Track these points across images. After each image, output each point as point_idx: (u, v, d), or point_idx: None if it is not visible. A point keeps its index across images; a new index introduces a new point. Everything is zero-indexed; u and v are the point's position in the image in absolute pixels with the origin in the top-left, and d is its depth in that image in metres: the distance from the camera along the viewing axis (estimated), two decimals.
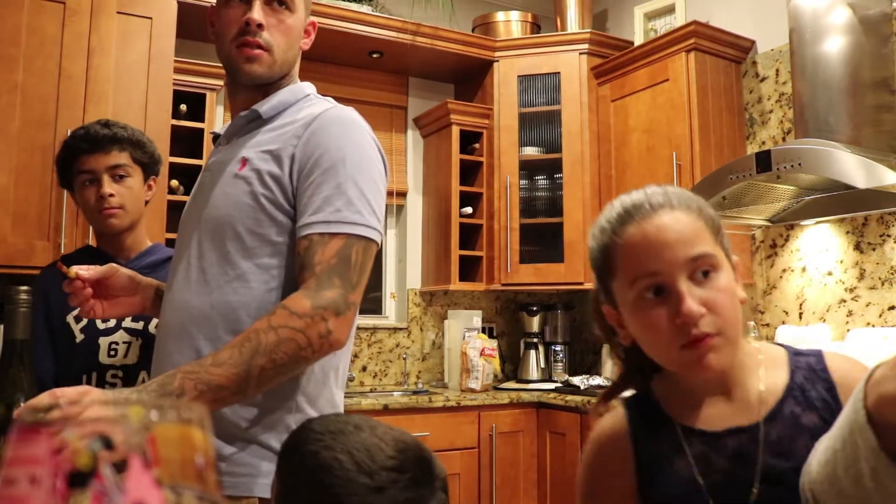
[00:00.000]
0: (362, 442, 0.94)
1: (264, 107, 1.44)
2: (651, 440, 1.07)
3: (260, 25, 1.40)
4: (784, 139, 3.50)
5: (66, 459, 0.33)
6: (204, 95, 3.53)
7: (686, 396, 1.08)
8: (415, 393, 3.84)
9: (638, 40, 4.12)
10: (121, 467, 0.34)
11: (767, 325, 3.52)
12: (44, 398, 0.95)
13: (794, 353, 1.11)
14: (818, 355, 1.10)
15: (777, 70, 3.58)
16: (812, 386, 1.05)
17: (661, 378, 1.14)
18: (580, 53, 4.15)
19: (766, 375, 1.07)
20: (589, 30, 4.21)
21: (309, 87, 1.52)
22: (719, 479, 1.00)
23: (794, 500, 0.92)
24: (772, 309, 3.52)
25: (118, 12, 3.25)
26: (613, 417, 1.13)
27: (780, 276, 3.49)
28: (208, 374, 1.14)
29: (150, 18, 3.32)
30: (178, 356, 1.34)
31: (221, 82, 3.50)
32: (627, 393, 1.19)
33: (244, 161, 1.37)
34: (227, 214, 1.36)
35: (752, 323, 3.51)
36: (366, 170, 1.33)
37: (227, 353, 1.17)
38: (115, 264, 1.59)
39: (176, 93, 3.36)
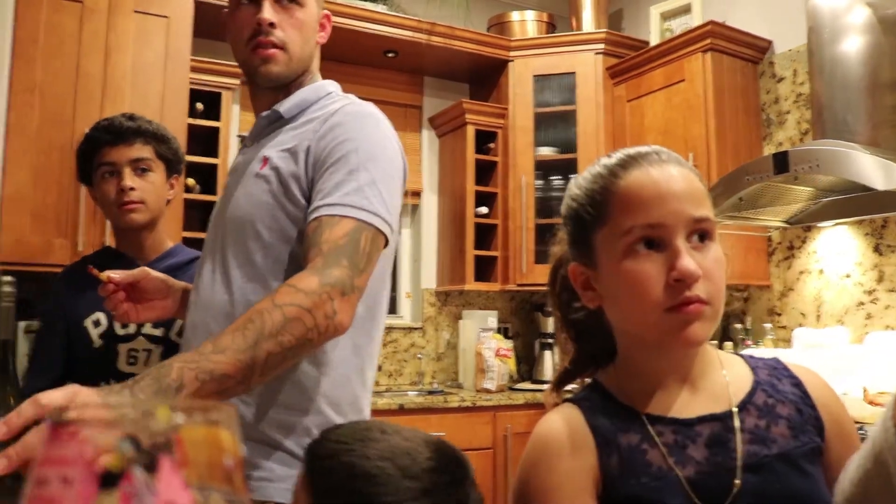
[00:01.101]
0: (397, 446, 0.91)
1: (284, 106, 1.43)
2: (613, 432, 0.97)
3: (272, 24, 1.38)
4: (801, 140, 3.48)
5: (97, 460, 0.33)
6: (220, 94, 3.54)
7: (646, 385, 1.00)
8: (430, 393, 3.84)
9: (654, 40, 4.10)
10: (149, 468, 0.34)
11: (784, 327, 3.50)
12: (27, 407, 0.83)
13: (749, 356, 1.08)
14: (774, 359, 1.08)
15: (795, 70, 3.55)
16: (778, 381, 1.03)
17: (612, 367, 1.06)
18: (596, 53, 4.13)
19: (728, 371, 1.03)
20: (604, 30, 4.20)
21: (332, 85, 1.50)
22: (697, 469, 0.93)
23: (779, 486, 0.91)
24: (789, 311, 3.50)
25: (135, 11, 3.27)
26: (564, 411, 1.02)
27: (798, 279, 3.47)
28: (210, 362, 1.03)
29: (167, 17, 3.34)
30: None
31: (237, 81, 3.52)
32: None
33: (265, 160, 1.36)
34: (248, 214, 1.34)
35: (768, 325, 3.49)
36: (380, 161, 1.30)
37: (230, 337, 1.07)
38: (146, 267, 1.57)
39: (192, 91, 3.38)
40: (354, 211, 1.23)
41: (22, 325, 3.01)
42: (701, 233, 0.94)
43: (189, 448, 0.34)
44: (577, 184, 1.04)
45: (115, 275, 1.50)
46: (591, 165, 1.04)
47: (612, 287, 0.98)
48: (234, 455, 0.37)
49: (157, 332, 1.81)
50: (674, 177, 0.95)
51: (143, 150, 1.84)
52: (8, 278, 0.83)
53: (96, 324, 1.80)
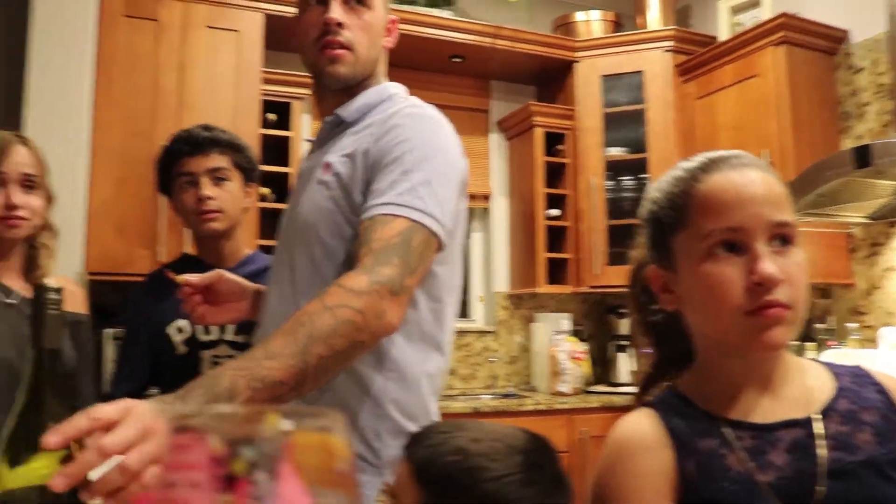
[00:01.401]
0: (495, 430, 0.97)
1: (347, 110, 1.43)
2: (691, 436, 0.96)
3: (340, 24, 1.39)
4: (883, 132, 3.37)
5: (222, 465, 0.34)
6: (290, 104, 3.60)
7: (724, 389, 0.99)
8: (504, 396, 3.84)
9: (723, 35, 4.02)
10: (270, 473, 0.35)
11: (870, 326, 3.38)
12: (80, 419, 0.78)
13: (830, 363, 1.06)
14: (857, 367, 1.05)
15: (874, 60, 3.44)
16: (862, 388, 1.00)
17: (689, 372, 1.05)
18: (664, 51, 4.08)
19: (810, 377, 1.02)
20: (672, 26, 4.14)
21: (395, 87, 1.49)
22: (778, 474, 0.92)
23: (863, 493, 0.89)
24: (874, 310, 3.38)
25: (207, 27, 3.36)
26: (641, 414, 1.02)
27: (883, 276, 3.36)
28: (262, 368, 1.01)
29: (238, 31, 3.42)
30: None
31: (307, 91, 3.57)
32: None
33: (327, 166, 1.37)
34: (312, 220, 1.35)
35: (853, 325, 3.38)
36: (435, 162, 1.28)
37: (280, 341, 1.05)
38: (221, 270, 1.60)
39: (263, 102, 3.45)
40: (407, 210, 1.21)
41: (109, 332, 3.11)
42: (782, 237, 0.94)
43: (300, 453, 0.35)
44: (657, 187, 1.04)
45: (192, 278, 1.54)
46: (671, 169, 1.04)
47: (691, 290, 0.98)
48: (345, 461, 0.37)
49: (240, 339, 1.85)
50: (755, 180, 0.95)
51: (219, 160, 1.89)
52: (54, 285, 0.84)
53: (179, 331, 1.85)
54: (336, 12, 1.39)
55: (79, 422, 0.75)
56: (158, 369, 1.88)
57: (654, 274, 1.04)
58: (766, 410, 0.97)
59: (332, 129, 1.45)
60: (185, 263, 1.94)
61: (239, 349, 1.85)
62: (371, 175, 1.29)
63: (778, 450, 0.94)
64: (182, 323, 1.85)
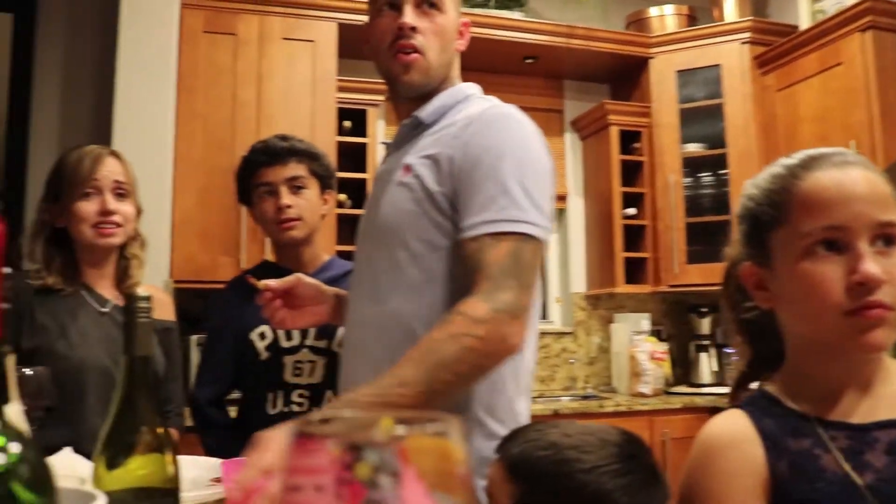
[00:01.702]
0: (586, 426, 0.98)
1: (425, 112, 1.43)
2: (782, 436, 0.94)
3: (413, 28, 1.39)
4: None
5: (347, 469, 0.35)
6: (366, 111, 3.65)
7: (817, 389, 0.97)
8: (584, 398, 3.80)
9: (804, 24, 3.91)
10: (393, 477, 0.35)
11: None
12: (251, 471, 0.92)
13: None
14: None
15: None
16: None
17: (780, 372, 1.03)
18: (741, 43, 3.98)
19: None
20: (749, 17, 4.04)
21: (471, 88, 1.49)
22: (877, 475, 0.89)
23: None
24: None
25: (283, 38, 3.44)
26: (730, 415, 1.00)
27: None
28: (395, 396, 1.11)
29: (313, 41, 3.49)
30: (360, 367, 1.36)
31: (382, 98, 3.62)
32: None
33: (407, 168, 1.37)
34: (394, 223, 1.35)
35: None
36: (529, 166, 1.29)
37: (411, 370, 1.13)
38: (300, 274, 1.62)
39: (339, 110, 3.51)
40: (513, 225, 1.23)
41: (194, 338, 3.20)
42: (886, 237, 0.92)
43: (418, 458, 0.35)
44: (754, 184, 1.03)
45: (272, 283, 1.57)
46: (769, 166, 1.02)
47: (788, 288, 0.96)
48: (463, 465, 0.37)
49: (321, 344, 1.88)
50: (857, 179, 0.93)
51: (297, 169, 1.92)
52: (144, 294, 0.88)
53: (262, 336, 1.89)
54: (409, 17, 1.39)
55: (251, 474, 0.88)
56: (241, 373, 1.93)
57: (749, 271, 1.03)
58: (863, 411, 0.95)
59: (409, 132, 1.46)
60: (266, 270, 1.97)
61: (320, 354, 1.88)
62: (459, 184, 1.29)
63: (876, 451, 0.91)
64: (264, 328, 1.88)
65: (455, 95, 1.45)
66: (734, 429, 0.97)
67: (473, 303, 1.18)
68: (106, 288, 1.83)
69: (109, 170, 1.78)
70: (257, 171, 1.94)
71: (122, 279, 1.85)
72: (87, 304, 1.78)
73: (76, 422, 1.59)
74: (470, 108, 1.39)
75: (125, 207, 1.80)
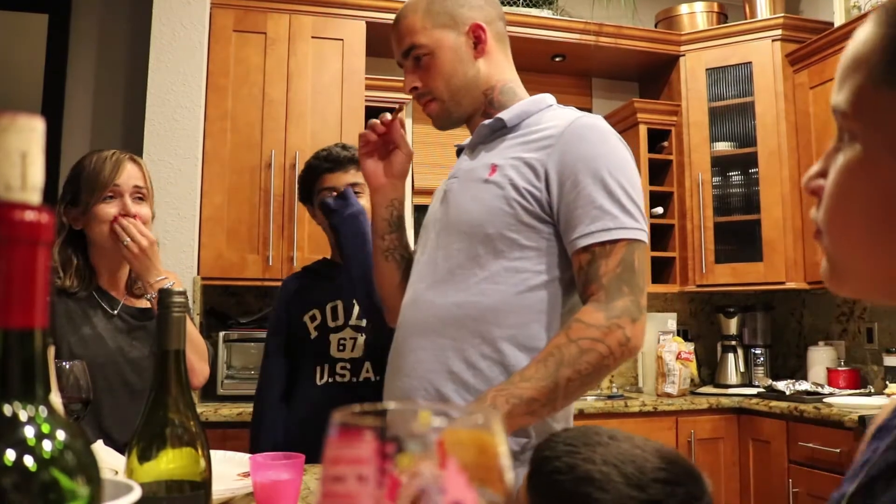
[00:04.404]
0: (625, 453, 0.88)
1: (508, 115, 1.50)
2: None
3: (414, 89, 1.53)
4: None
5: (393, 459, 0.35)
6: (393, 110, 3.64)
7: None
8: (610, 398, 3.78)
9: (838, 20, 3.85)
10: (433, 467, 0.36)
11: None
12: None
13: None
14: None
15: None
16: None
17: None
18: (773, 40, 3.94)
19: None
20: (782, 14, 3.99)
21: (550, 98, 1.57)
22: None
23: None
24: None
25: (312, 37, 3.46)
26: None
27: None
28: (518, 388, 1.24)
29: (342, 40, 3.51)
30: (421, 352, 1.42)
31: (409, 97, 3.61)
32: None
33: (493, 167, 1.44)
34: (477, 218, 1.42)
35: None
36: (627, 173, 1.37)
37: (533, 368, 1.25)
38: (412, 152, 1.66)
39: (367, 109, 3.52)
40: (621, 232, 1.32)
41: (221, 335, 3.23)
42: None
43: (455, 450, 0.36)
44: None
45: (389, 116, 1.60)
46: None
47: None
48: (502, 458, 0.38)
49: (361, 323, 2.14)
50: None
51: (357, 176, 2.09)
52: (179, 289, 0.91)
53: (312, 318, 2.15)
54: (406, 81, 1.55)
55: None
56: (296, 351, 2.17)
57: None
58: None
59: (490, 133, 1.53)
60: (326, 266, 2.27)
61: (360, 332, 2.13)
62: (563, 191, 1.36)
63: None
64: (315, 311, 2.16)
65: (537, 103, 1.53)
66: None
67: (590, 311, 1.29)
68: (117, 289, 1.92)
69: (129, 174, 1.87)
70: (320, 177, 2.14)
71: (134, 283, 1.94)
72: (99, 306, 1.87)
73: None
74: (554, 116, 1.47)
75: (144, 210, 1.88)
